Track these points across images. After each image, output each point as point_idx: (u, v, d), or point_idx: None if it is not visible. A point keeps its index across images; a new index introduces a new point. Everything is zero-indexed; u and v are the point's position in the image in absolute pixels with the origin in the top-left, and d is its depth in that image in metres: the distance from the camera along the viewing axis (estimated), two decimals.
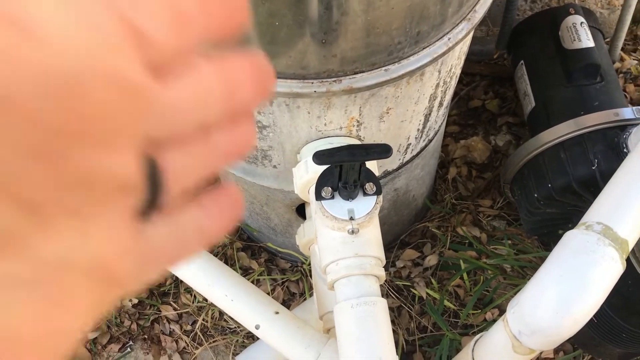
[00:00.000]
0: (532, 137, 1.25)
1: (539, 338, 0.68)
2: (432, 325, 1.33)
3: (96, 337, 1.38)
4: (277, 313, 0.94)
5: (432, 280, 1.37)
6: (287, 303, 1.41)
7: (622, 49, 1.63)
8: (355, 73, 0.81)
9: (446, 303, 1.33)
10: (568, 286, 0.64)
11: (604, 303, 1.05)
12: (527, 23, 1.45)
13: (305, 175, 0.91)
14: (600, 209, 0.70)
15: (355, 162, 0.75)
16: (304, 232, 1.12)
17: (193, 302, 1.39)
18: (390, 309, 1.37)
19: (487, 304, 1.32)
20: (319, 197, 0.82)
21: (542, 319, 0.65)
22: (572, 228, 1.25)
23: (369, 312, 0.77)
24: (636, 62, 1.64)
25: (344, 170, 0.77)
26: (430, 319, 1.34)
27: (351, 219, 0.81)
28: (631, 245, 0.68)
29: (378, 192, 0.82)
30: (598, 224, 0.68)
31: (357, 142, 0.95)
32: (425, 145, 1.15)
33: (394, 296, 1.37)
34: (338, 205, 0.81)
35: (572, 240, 0.68)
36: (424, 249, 1.44)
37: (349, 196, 0.81)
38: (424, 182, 1.35)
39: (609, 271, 0.65)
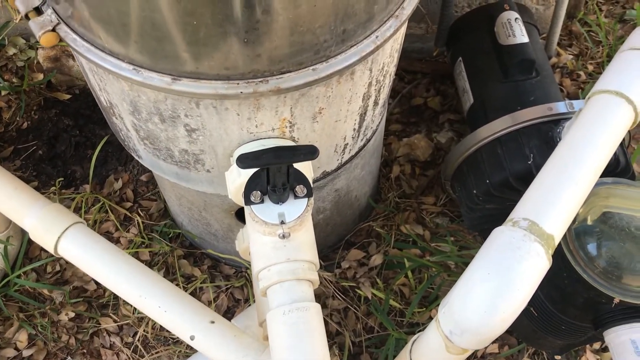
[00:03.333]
0: (471, 134, 1.26)
1: (469, 337, 0.67)
2: (379, 326, 1.32)
3: (32, 355, 1.32)
4: (212, 322, 0.91)
5: (378, 280, 1.36)
6: (232, 310, 1.38)
7: (558, 44, 1.66)
8: (283, 73, 0.79)
9: (392, 302, 1.33)
10: (494, 284, 0.63)
11: (542, 297, 1.06)
12: (464, 20, 1.46)
13: (238, 179, 0.89)
14: (527, 205, 0.70)
15: (282, 165, 0.73)
16: (244, 238, 1.09)
17: (133, 313, 1.34)
18: (337, 310, 1.36)
19: (432, 302, 1.32)
20: (248, 201, 0.80)
21: (471, 318, 0.65)
22: None
23: (301, 318, 0.75)
24: (572, 56, 1.67)
25: (272, 173, 0.75)
26: (376, 319, 1.33)
27: (282, 223, 0.79)
28: (557, 240, 0.68)
29: (309, 195, 0.80)
30: (524, 219, 0.67)
31: (291, 143, 0.93)
32: (364, 145, 1.14)
33: (340, 298, 1.36)
34: (268, 210, 0.79)
35: (498, 237, 0.68)
36: (369, 249, 1.43)
37: (279, 200, 0.79)
38: (365, 182, 1.34)
39: (534, 267, 0.65)
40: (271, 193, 0.78)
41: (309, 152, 0.71)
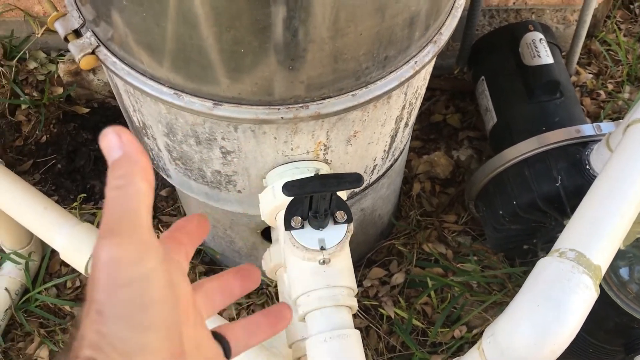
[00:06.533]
0: (494, 153, 1.26)
1: None
2: (401, 345, 1.32)
3: None
4: None
5: (400, 299, 1.36)
6: None
7: (578, 63, 1.66)
8: (323, 99, 0.79)
9: (414, 322, 1.32)
10: (544, 316, 0.63)
11: None
12: (487, 39, 1.46)
13: (273, 201, 0.89)
14: (573, 235, 0.70)
15: (327, 192, 0.73)
16: (271, 258, 1.08)
17: None
18: (358, 329, 1.35)
19: (455, 321, 1.32)
20: (288, 227, 0.79)
21: (519, 350, 0.65)
22: (536, 243, 1.26)
23: (342, 345, 0.75)
24: (591, 75, 1.67)
25: (315, 200, 0.75)
26: (399, 339, 1.32)
27: (322, 248, 0.78)
28: (604, 270, 0.68)
29: (349, 220, 0.80)
30: (571, 250, 0.67)
31: (324, 165, 0.93)
32: (391, 165, 1.14)
33: (361, 316, 1.36)
34: (308, 235, 0.79)
35: (546, 269, 0.68)
36: (391, 267, 1.43)
37: (320, 225, 0.79)
38: (389, 201, 1.34)
39: (584, 300, 0.65)
40: (312, 219, 0.78)
41: (355, 181, 0.71)
